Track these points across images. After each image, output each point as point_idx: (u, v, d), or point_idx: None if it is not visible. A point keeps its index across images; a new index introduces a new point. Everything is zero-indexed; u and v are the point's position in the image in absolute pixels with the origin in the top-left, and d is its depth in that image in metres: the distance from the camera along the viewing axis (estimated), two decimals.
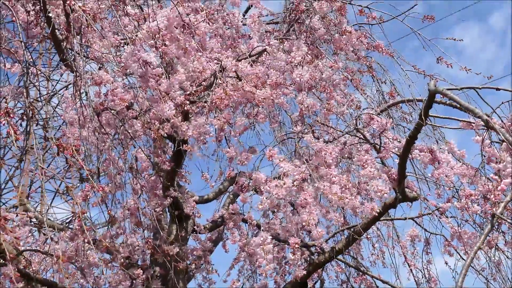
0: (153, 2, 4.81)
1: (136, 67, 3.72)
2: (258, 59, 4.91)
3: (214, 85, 4.37)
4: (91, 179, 3.15)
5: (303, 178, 3.89)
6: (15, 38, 4.39)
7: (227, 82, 4.38)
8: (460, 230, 4.64)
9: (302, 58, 4.54)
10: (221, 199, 6.69)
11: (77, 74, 3.78)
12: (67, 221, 6.63)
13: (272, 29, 5.54)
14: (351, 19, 5.08)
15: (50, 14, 3.86)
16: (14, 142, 2.39)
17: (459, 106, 3.91)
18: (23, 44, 3.53)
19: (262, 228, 4.85)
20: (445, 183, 4.52)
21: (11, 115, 2.38)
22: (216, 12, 5.27)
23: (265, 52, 4.84)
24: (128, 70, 4.18)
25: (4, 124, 2.39)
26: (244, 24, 5.47)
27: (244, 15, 5.82)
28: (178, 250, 5.38)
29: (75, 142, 4.79)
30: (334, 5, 4.61)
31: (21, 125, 3.28)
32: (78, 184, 4.91)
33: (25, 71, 3.14)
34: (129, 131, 4.63)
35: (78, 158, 2.67)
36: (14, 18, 4.01)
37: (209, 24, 3.97)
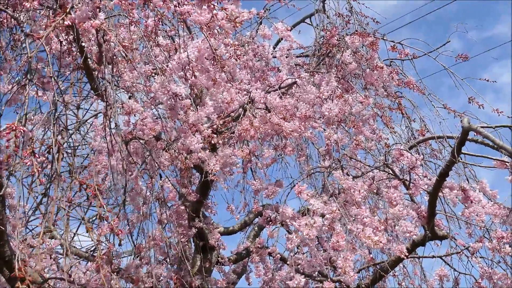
0: (184, 33, 4.85)
1: (165, 99, 3.73)
2: (288, 92, 4.89)
3: (241, 116, 4.35)
4: (111, 217, 3.15)
5: (334, 218, 3.79)
6: (47, 67, 4.43)
7: (255, 113, 4.36)
8: (490, 271, 4.54)
9: (332, 92, 4.52)
10: (246, 231, 6.63)
11: (108, 103, 3.80)
12: (92, 249, 6.62)
13: (302, 62, 5.54)
14: (382, 55, 5.04)
15: (83, 44, 3.89)
16: (38, 180, 2.44)
17: (492, 144, 3.83)
18: (55, 73, 3.56)
19: (288, 262, 4.78)
20: (476, 222, 4.42)
21: (36, 155, 2.44)
22: (246, 44, 5.29)
23: (295, 85, 4.83)
24: (157, 100, 4.19)
25: (29, 164, 2.46)
26: (274, 57, 5.48)
27: (274, 48, 5.82)
28: (201, 281, 5.31)
29: (102, 171, 4.82)
30: (366, 40, 4.59)
31: (48, 152, 3.31)
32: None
33: (55, 102, 3.16)
34: (156, 161, 4.63)
35: (100, 198, 2.69)
36: (47, 48, 4.06)
37: (236, 60, 3.93)
